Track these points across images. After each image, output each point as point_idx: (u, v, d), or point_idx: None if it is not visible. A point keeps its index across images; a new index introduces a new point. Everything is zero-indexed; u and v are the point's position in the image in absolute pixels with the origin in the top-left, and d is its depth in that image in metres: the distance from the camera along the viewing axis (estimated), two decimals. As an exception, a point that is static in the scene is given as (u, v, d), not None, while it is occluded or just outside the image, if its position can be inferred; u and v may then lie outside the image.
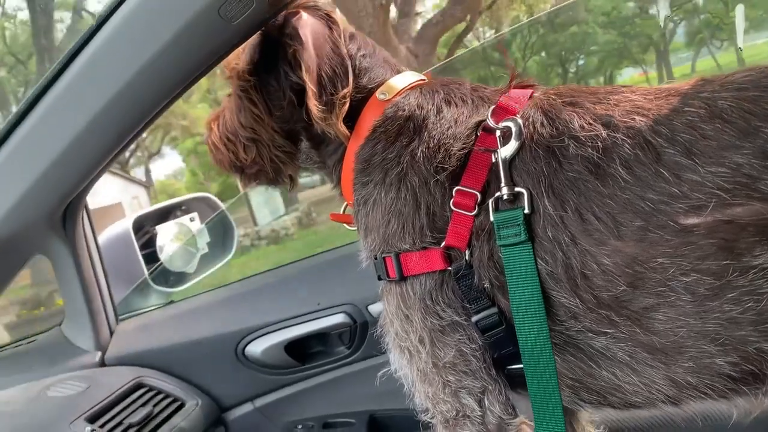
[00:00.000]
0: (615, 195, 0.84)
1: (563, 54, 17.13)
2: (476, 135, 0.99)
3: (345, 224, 1.22)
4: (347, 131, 1.10)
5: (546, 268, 0.88)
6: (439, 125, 1.03)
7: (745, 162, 0.77)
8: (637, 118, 0.87)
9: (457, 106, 1.06)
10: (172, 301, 1.76)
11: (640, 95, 0.93)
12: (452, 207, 0.96)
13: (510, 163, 0.93)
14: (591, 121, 0.90)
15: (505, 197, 0.91)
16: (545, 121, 0.94)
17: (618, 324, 0.85)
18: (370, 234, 1.05)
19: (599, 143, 0.87)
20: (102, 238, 1.75)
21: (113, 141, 1.19)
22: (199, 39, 1.01)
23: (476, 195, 0.94)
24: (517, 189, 0.91)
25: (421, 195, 0.99)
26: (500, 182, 0.92)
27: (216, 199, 1.98)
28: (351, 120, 1.11)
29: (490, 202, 0.93)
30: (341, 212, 1.24)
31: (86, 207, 1.50)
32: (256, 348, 1.58)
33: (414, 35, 9.78)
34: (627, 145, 0.85)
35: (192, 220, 1.97)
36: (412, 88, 1.13)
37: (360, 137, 1.10)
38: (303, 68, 1.04)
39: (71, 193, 1.31)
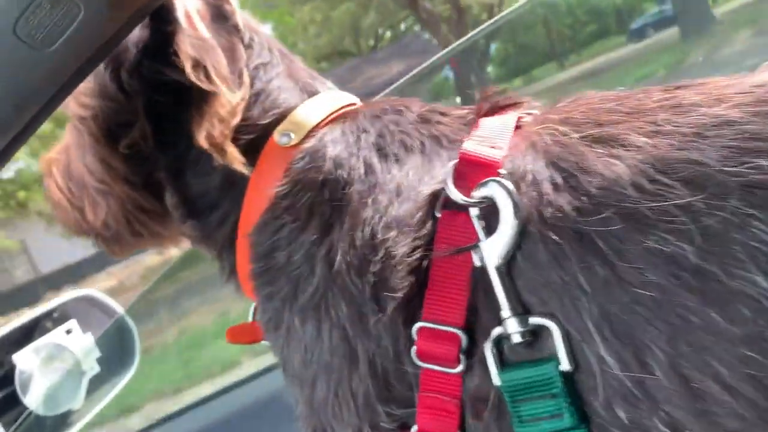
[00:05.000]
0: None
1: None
2: (434, 219, 0.58)
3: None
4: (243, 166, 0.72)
5: None
6: (371, 201, 0.62)
7: None
8: (761, 160, 0.45)
9: (397, 158, 0.65)
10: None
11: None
12: (416, 360, 0.56)
13: (509, 268, 0.52)
14: (655, 174, 0.48)
15: (515, 338, 0.51)
16: (559, 179, 0.52)
17: None
18: (294, 385, 0.67)
19: (691, 225, 0.45)
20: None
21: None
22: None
23: (458, 335, 0.54)
24: (535, 320, 0.50)
25: (356, 337, 0.59)
26: (498, 307, 0.52)
27: (102, 295, 1.39)
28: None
29: (487, 346, 0.53)
30: (250, 319, 0.78)
31: None
32: None
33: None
34: (755, 226, 0.43)
35: (69, 332, 1.37)
36: (332, 121, 0.73)
37: (254, 211, 0.70)
38: (182, 56, 0.67)
39: None
